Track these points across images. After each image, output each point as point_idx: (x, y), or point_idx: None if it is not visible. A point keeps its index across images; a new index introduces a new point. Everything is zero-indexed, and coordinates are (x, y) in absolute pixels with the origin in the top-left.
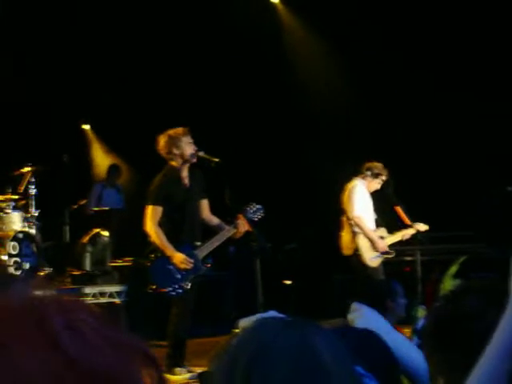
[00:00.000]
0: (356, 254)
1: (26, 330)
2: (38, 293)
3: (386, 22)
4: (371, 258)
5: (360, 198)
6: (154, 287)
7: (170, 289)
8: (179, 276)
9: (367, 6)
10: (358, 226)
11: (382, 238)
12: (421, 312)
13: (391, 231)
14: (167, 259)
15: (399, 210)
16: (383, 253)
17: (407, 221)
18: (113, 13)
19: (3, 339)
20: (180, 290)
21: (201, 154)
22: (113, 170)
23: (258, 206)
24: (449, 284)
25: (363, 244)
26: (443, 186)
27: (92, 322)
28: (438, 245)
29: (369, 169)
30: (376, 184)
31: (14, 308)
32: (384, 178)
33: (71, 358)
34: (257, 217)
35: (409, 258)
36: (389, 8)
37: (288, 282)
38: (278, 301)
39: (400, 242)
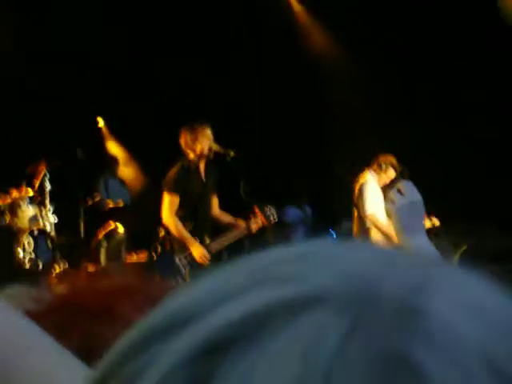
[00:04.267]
0: None
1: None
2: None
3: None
4: None
5: (371, 193)
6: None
7: (174, 283)
8: (184, 271)
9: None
10: (372, 223)
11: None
12: None
13: None
14: (174, 253)
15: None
16: None
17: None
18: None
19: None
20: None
21: (217, 147)
22: (114, 161)
23: (272, 210)
24: None
25: (377, 238)
26: (460, 181)
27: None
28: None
29: (379, 162)
30: (386, 178)
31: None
32: (395, 171)
33: None
34: (272, 218)
35: None
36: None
37: None
38: None
39: None
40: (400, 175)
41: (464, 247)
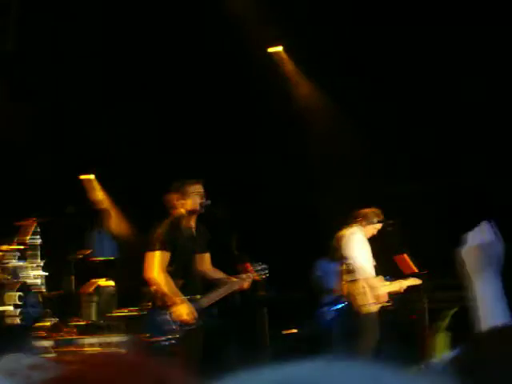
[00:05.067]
0: (350, 300)
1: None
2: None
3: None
4: (366, 305)
5: (360, 246)
6: (149, 336)
7: (164, 339)
8: (174, 327)
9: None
10: (361, 275)
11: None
12: (419, 370)
13: (395, 279)
14: (162, 309)
15: (404, 257)
16: (381, 302)
17: (413, 269)
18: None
19: None
20: (172, 341)
21: (207, 203)
22: (105, 215)
23: (263, 266)
24: (442, 338)
25: (359, 290)
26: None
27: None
28: (446, 292)
29: (364, 215)
30: (372, 230)
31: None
32: (379, 223)
33: None
34: (261, 276)
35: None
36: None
37: (294, 331)
38: (283, 350)
39: (407, 289)
40: (386, 226)
41: (456, 309)
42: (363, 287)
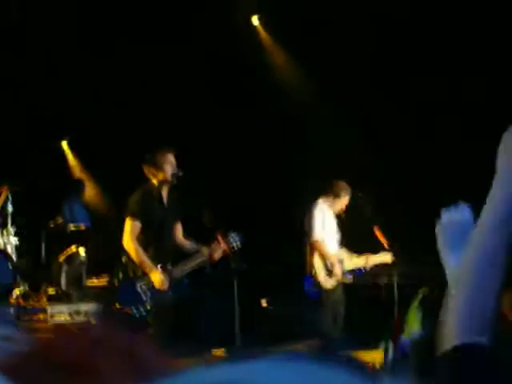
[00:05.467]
0: (312, 273)
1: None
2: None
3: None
4: (324, 280)
5: (319, 219)
6: (120, 307)
7: (135, 310)
8: (145, 298)
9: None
10: (317, 250)
11: (341, 261)
12: (389, 348)
13: (366, 252)
14: (135, 280)
15: (377, 230)
16: (339, 278)
17: (384, 242)
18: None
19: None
20: (144, 313)
21: (181, 174)
22: (80, 184)
23: (235, 236)
24: (413, 317)
25: (318, 264)
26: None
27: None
28: (417, 267)
29: (333, 189)
30: (340, 204)
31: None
32: (347, 196)
33: None
34: (235, 245)
35: (385, 281)
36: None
37: (264, 304)
38: (254, 322)
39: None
40: (355, 200)
41: (424, 291)
42: (317, 262)
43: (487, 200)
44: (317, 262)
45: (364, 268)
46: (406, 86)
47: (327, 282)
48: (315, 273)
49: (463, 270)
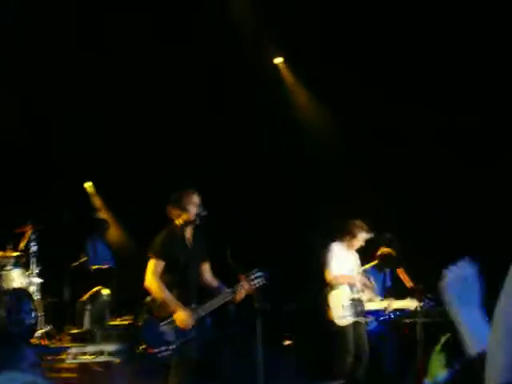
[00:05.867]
0: (326, 310)
1: None
2: None
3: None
4: (339, 317)
5: (335, 260)
6: (145, 347)
7: (159, 350)
8: (170, 338)
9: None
10: (339, 282)
11: (360, 300)
12: None
13: (392, 294)
14: (159, 320)
15: (401, 272)
16: (358, 314)
17: (408, 283)
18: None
19: None
20: (169, 353)
21: (204, 214)
22: (103, 224)
23: (260, 273)
24: (436, 361)
25: (333, 301)
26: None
27: None
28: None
29: (348, 229)
30: (358, 242)
31: None
32: (363, 233)
33: None
34: (258, 283)
35: (409, 320)
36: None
37: (288, 343)
38: (277, 361)
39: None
40: (382, 241)
41: (448, 335)
42: (333, 300)
43: None
44: (332, 301)
45: (384, 312)
46: (426, 128)
47: (341, 321)
48: (328, 308)
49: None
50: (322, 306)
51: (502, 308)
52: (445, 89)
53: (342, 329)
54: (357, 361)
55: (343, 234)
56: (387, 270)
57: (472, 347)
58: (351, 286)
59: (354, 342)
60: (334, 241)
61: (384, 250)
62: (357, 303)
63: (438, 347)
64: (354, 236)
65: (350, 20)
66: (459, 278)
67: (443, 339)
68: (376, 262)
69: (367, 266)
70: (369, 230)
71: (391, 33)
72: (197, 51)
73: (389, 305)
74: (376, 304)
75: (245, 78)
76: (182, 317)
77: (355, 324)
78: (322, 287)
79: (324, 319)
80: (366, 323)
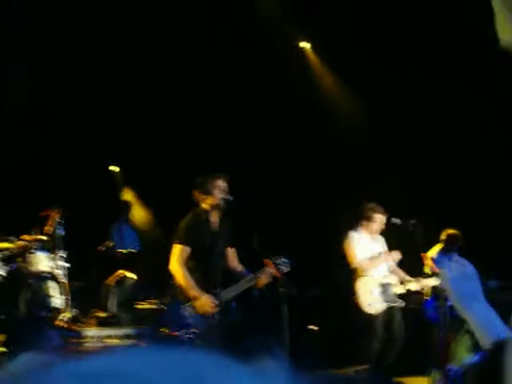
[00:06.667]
0: (354, 298)
1: None
2: None
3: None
4: (368, 305)
5: (356, 246)
6: (168, 330)
7: (181, 333)
8: (192, 322)
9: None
10: (364, 269)
11: (389, 284)
12: (437, 376)
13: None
14: (183, 303)
15: (426, 257)
16: (389, 299)
17: (433, 269)
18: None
19: None
20: (191, 336)
21: (230, 199)
22: (128, 207)
23: (284, 260)
24: (463, 346)
25: (362, 289)
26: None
27: None
28: None
29: (362, 213)
30: (376, 225)
31: None
32: (380, 215)
33: None
34: (283, 269)
35: None
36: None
37: (314, 328)
38: (303, 346)
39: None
40: (406, 227)
41: None
42: (360, 288)
43: None
44: (359, 288)
45: (422, 292)
46: (455, 111)
47: (369, 308)
48: (357, 296)
49: None
50: (350, 293)
51: None
52: (479, 71)
53: (373, 317)
54: (388, 346)
55: (359, 219)
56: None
57: (485, 339)
58: (379, 271)
59: (384, 327)
60: (352, 229)
61: (449, 231)
62: (386, 288)
63: (463, 333)
64: (370, 219)
65: (378, 2)
66: (462, 275)
67: (467, 326)
68: (441, 245)
69: (433, 252)
70: (384, 212)
71: (419, 16)
72: (221, 35)
73: (420, 283)
74: (402, 287)
75: (271, 63)
76: (202, 304)
77: (386, 308)
78: (349, 275)
79: (351, 306)
80: (399, 306)
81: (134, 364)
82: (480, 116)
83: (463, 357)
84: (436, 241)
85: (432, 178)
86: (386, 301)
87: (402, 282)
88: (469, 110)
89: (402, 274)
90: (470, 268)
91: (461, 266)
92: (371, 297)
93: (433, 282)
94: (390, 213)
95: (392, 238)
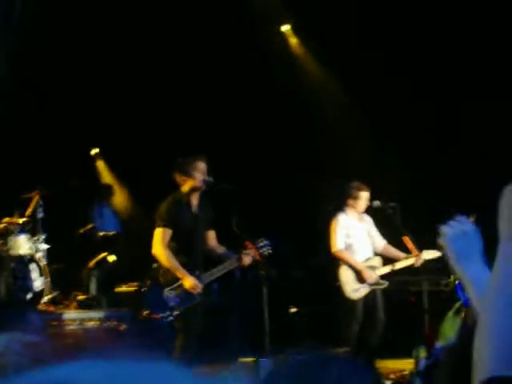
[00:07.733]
0: (338, 285)
1: None
2: None
3: (388, 51)
4: (353, 291)
5: (341, 231)
6: (148, 312)
7: (163, 315)
8: (173, 303)
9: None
10: (341, 259)
11: (372, 267)
12: (422, 353)
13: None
14: (163, 286)
15: (407, 239)
16: (372, 284)
17: (415, 251)
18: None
19: None
20: (171, 319)
21: (210, 180)
22: (109, 190)
23: (265, 242)
24: (449, 325)
25: (345, 275)
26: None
27: None
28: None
29: (348, 193)
30: (362, 203)
31: None
32: (365, 192)
33: None
34: (264, 252)
35: (415, 288)
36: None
37: (294, 310)
38: (283, 328)
39: (407, 272)
40: (386, 209)
41: (459, 303)
42: (343, 273)
43: None
44: (342, 274)
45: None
46: (441, 99)
47: (354, 294)
48: (340, 283)
49: (492, 299)
50: (333, 277)
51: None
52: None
53: (355, 303)
54: (370, 328)
55: (345, 199)
56: None
57: (478, 302)
58: (363, 254)
59: (366, 310)
60: (339, 211)
61: None
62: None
63: (452, 312)
64: (356, 197)
65: None
66: (460, 234)
67: (457, 305)
68: None
69: None
70: (367, 188)
71: None
72: (203, 20)
73: (392, 267)
74: (387, 267)
75: (251, 47)
76: (190, 282)
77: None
78: (333, 259)
79: (334, 290)
80: (382, 287)
81: (81, 375)
82: (456, 97)
83: (449, 335)
84: (416, 224)
85: (413, 165)
86: (370, 284)
87: (396, 260)
88: (445, 91)
89: (394, 250)
90: None
91: None
92: (355, 283)
93: (431, 255)
94: (371, 196)
95: (373, 219)
